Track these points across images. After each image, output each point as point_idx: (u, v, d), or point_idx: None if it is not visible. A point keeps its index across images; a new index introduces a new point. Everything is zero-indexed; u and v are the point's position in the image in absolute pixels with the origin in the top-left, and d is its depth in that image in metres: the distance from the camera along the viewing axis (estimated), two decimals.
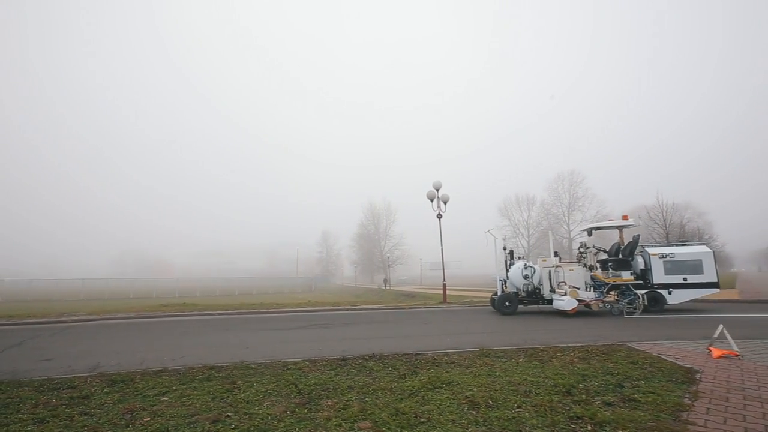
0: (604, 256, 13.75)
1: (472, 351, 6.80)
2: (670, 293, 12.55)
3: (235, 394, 4.42)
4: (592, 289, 12.53)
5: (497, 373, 5.16)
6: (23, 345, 8.56)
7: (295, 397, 4.30)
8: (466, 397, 4.18)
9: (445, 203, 17.69)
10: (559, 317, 11.96)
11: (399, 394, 4.34)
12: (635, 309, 11.98)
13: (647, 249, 13.23)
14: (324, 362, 6.01)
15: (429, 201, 17.52)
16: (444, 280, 17.62)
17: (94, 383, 5.05)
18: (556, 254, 13.85)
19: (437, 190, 17.52)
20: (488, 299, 15.30)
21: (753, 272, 71.01)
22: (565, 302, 11.84)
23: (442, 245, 17.46)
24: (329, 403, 4.06)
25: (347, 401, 4.10)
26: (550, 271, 13.20)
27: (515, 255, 14.67)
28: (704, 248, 13.49)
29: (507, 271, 14.19)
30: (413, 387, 4.57)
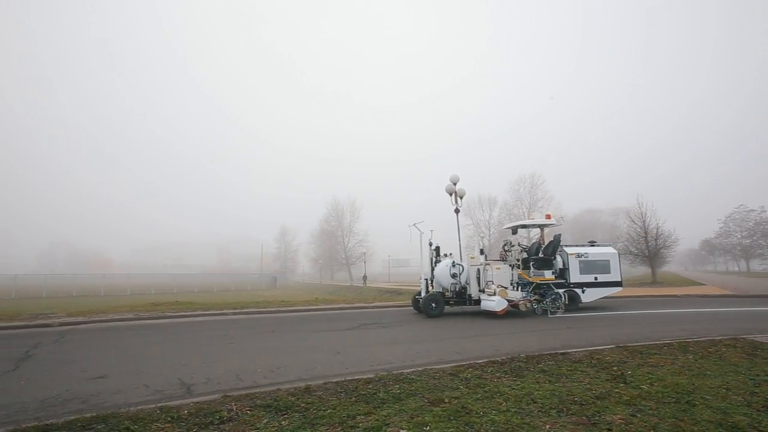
0: (524, 254, 13.35)
1: (610, 347, 6.34)
2: (583, 292, 12.79)
3: (472, 417, 3.46)
4: (520, 288, 12.04)
5: (708, 373, 4.68)
6: (34, 357, 6.65)
7: (561, 414, 3.45)
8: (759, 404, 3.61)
9: (461, 198, 17.22)
10: (498, 318, 10.98)
11: (672, 403, 3.66)
12: (558, 308, 11.84)
13: (565, 249, 13.27)
14: (490, 367, 5.16)
15: (448, 195, 16.94)
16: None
17: (248, 411, 3.78)
18: (482, 252, 13.02)
19: (455, 184, 17.00)
20: None
21: (681, 271, 79.09)
22: (495, 303, 11.01)
23: (460, 241, 16.95)
24: (617, 419, 3.28)
25: (634, 417, 3.34)
26: (478, 270, 12.41)
27: (441, 252, 13.48)
28: (611, 249, 13.97)
29: (432, 269, 13.02)
30: (663, 392, 3.92)
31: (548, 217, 13.89)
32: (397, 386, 4.44)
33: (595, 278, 12.97)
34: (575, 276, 12.82)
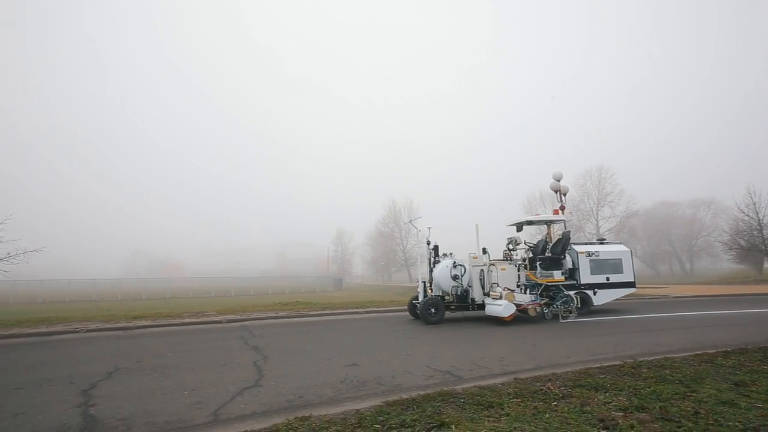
0: (529, 254, 12.50)
1: None
2: (595, 293, 11.93)
3: None
4: (528, 291, 11.09)
5: None
6: (263, 349, 7.59)
7: None
8: None
9: (564, 195, 17.18)
10: (506, 324, 10.11)
11: None
12: (570, 312, 10.88)
13: (574, 247, 12.40)
14: (741, 356, 5.39)
15: (553, 192, 17.04)
16: None
17: (566, 390, 4.28)
18: (484, 251, 11.79)
19: (559, 181, 17.01)
20: None
21: None
22: (502, 307, 10.01)
23: (566, 238, 16.95)
24: None
25: None
26: (482, 271, 11.37)
27: (440, 251, 12.35)
28: (622, 247, 13.11)
29: (431, 270, 11.97)
30: None
31: (556, 212, 13.11)
32: (667, 371, 4.79)
33: (607, 278, 12.17)
34: (586, 276, 11.98)
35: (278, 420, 3.72)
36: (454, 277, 11.28)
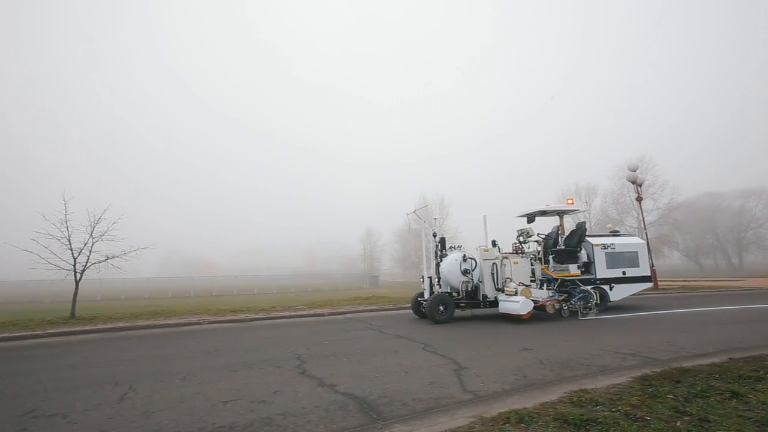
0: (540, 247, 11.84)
1: None
2: (611, 289, 11.35)
3: None
4: (544, 286, 10.48)
5: None
6: (408, 338, 7.86)
7: None
8: None
9: (640, 186, 17.04)
10: (524, 323, 9.38)
11: None
12: (590, 309, 10.16)
13: (588, 239, 11.82)
14: None
15: (630, 183, 16.96)
16: (653, 266, 16.92)
17: None
18: (494, 243, 11.08)
19: (634, 172, 16.88)
20: None
21: None
22: (520, 304, 9.36)
23: (645, 230, 16.77)
24: None
25: None
26: (494, 264, 10.60)
27: (447, 244, 11.50)
28: (637, 239, 12.62)
29: (437, 265, 11.08)
30: None
31: (570, 202, 12.76)
32: None
33: (623, 273, 11.60)
34: (602, 270, 11.42)
35: (549, 396, 3.86)
36: (465, 272, 10.52)
